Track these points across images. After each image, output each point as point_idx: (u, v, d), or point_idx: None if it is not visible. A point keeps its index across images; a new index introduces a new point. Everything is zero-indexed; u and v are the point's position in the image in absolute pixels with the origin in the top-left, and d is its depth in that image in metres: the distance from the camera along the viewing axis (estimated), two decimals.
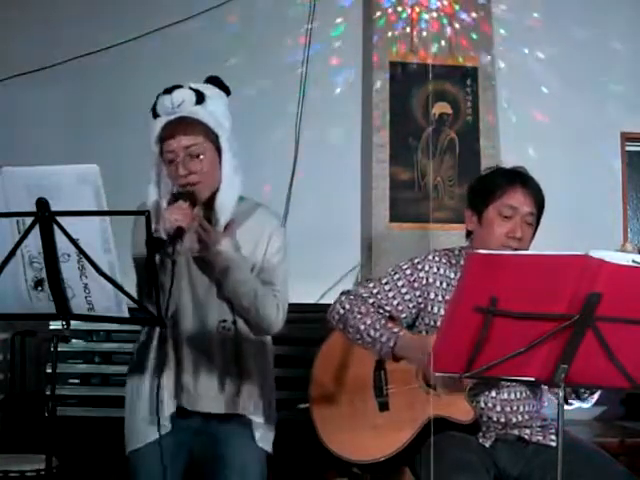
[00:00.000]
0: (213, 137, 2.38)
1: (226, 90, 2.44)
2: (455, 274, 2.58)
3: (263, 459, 2.44)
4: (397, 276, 2.61)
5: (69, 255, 1.89)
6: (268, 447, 2.46)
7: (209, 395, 2.39)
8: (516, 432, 2.50)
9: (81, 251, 1.86)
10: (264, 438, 2.45)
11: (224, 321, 2.39)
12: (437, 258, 2.61)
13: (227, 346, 2.40)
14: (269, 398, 2.49)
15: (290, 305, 4.24)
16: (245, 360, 2.41)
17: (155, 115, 2.37)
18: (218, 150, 2.40)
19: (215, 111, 2.38)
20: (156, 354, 2.39)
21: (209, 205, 2.40)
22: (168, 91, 2.35)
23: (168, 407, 2.37)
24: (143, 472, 2.38)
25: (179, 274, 2.35)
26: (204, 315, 2.39)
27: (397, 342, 2.50)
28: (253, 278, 2.39)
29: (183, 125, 2.33)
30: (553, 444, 2.40)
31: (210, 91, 2.39)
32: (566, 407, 2.45)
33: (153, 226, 2.13)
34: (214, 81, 2.43)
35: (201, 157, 2.35)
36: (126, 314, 1.94)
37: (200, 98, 2.35)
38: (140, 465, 2.39)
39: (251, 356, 2.43)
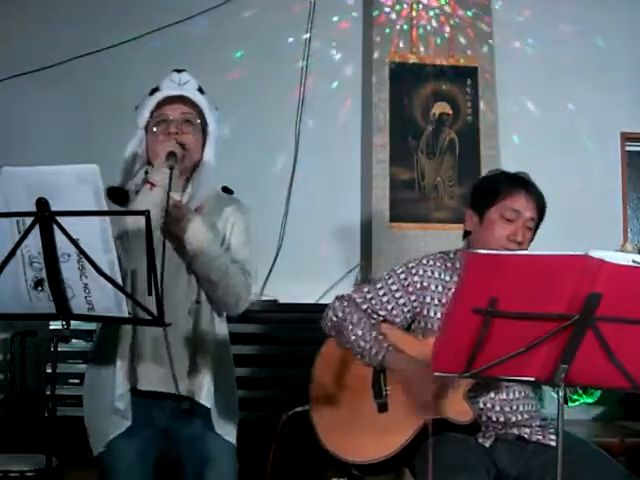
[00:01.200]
0: (204, 122, 2.47)
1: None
2: (450, 277, 2.58)
3: (231, 451, 2.43)
4: (391, 280, 2.61)
5: (69, 255, 1.89)
6: (230, 438, 2.43)
7: (161, 376, 2.35)
8: (515, 431, 2.51)
9: (81, 251, 1.86)
10: (224, 429, 2.41)
11: (197, 302, 2.38)
12: (432, 262, 2.61)
13: (190, 328, 2.38)
14: (226, 389, 2.45)
15: (290, 305, 4.25)
16: (202, 344, 2.38)
17: (154, 92, 2.47)
18: (204, 136, 2.47)
19: (210, 105, 2.50)
20: (112, 338, 2.36)
21: (184, 186, 2.44)
22: (177, 71, 2.49)
23: (124, 388, 2.32)
24: (116, 469, 2.36)
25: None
26: (170, 295, 2.34)
27: (385, 356, 2.51)
28: (224, 254, 2.39)
29: (183, 99, 2.45)
30: (552, 444, 2.40)
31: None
32: (572, 404, 2.46)
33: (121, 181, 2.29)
34: None
35: (194, 125, 2.43)
36: (126, 314, 1.93)
37: (201, 90, 2.50)
38: (111, 462, 2.36)
39: (208, 341, 2.40)
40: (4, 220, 1.89)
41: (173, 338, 2.36)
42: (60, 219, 1.85)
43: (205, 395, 2.36)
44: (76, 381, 3.84)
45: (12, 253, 1.90)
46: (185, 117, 2.42)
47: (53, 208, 1.85)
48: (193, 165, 2.44)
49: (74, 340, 3.80)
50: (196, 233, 2.31)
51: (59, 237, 1.87)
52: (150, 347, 2.35)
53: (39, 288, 1.93)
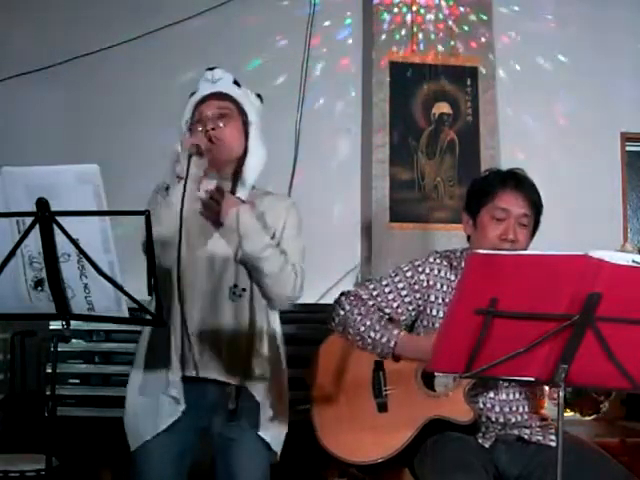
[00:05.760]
0: (243, 114, 2.51)
1: (260, 98, 2.60)
2: (455, 276, 2.57)
3: (266, 458, 2.43)
4: (397, 278, 2.61)
5: (69, 255, 1.89)
6: (268, 438, 2.42)
7: (215, 364, 2.37)
8: (516, 432, 2.51)
9: (81, 251, 1.86)
10: (269, 431, 2.41)
11: (235, 286, 2.41)
12: (438, 260, 2.60)
13: (239, 316, 2.40)
14: (281, 386, 2.46)
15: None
16: (256, 332, 2.41)
17: (192, 94, 2.53)
18: (245, 127, 2.51)
19: (249, 96, 2.55)
20: (163, 337, 2.38)
21: (234, 178, 2.49)
22: (210, 68, 2.54)
23: (178, 376, 2.35)
24: (151, 466, 2.37)
25: (195, 245, 2.39)
26: (218, 283, 2.40)
27: (397, 343, 2.50)
28: (271, 244, 2.41)
29: (218, 95, 2.49)
30: (553, 444, 2.40)
31: (245, 88, 2.58)
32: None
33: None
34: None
35: (230, 118, 2.47)
36: (126, 314, 1.93)
37: (237, 83, 2.55)
38: (146, 460, 2.37)
39: (263, 331, 2.43)
40: (4, 220, 1.89)
41: (223, 326, 2.38)
42: (60, 219, 1.85)
43: (258, 388, 2.38)
44: (76, 381, 3.85)
45: (12, 253, 1.89)
46: (220, 111, 2.47)
47: (53, 208, 1.85)
48: (234, 157, 2.48)
49: (74, 340, 3.80)
50: (242, 220, 2.36)
51: (59, 237, 1.87)
52: (200, 332, 2.37)
53: (39, 288, 1.93)
